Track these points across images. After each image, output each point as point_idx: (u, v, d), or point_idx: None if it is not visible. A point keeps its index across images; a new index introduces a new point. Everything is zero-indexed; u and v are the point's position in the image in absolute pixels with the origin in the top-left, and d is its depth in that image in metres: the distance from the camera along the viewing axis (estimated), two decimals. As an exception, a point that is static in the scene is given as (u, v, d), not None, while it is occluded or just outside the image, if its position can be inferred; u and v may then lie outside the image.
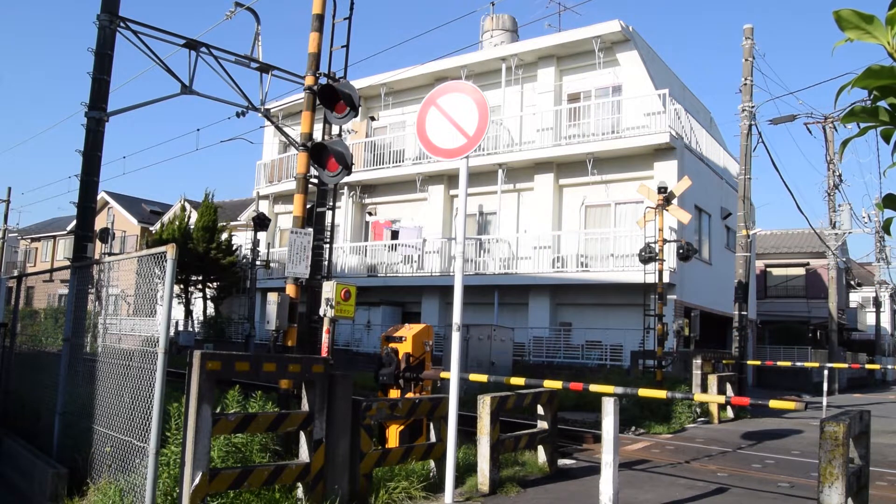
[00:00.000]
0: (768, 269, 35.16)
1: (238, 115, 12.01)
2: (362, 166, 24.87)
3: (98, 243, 21.80)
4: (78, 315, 7.29)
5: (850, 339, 37.62)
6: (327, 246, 10.39)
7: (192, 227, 28.42)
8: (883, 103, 1.84)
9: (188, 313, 29.34)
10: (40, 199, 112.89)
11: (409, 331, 8.24)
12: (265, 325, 7.80)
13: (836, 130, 26.41)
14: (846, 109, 1.92)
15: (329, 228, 10.42)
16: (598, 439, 7.91)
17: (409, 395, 7.84)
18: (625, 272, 18.61)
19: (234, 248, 29.52)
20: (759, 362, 21.35)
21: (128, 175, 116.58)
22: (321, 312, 7.21)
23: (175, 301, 15.22)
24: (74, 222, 12.73)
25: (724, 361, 16.01)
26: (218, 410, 5.41)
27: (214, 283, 29.75)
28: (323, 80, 7.92)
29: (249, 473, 5.06)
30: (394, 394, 8.00)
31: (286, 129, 14.17)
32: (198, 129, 35.77)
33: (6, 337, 9.11)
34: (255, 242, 23.70)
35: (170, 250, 5.14)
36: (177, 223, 28.60)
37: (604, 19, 26.51)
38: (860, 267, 40.35)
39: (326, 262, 10.36)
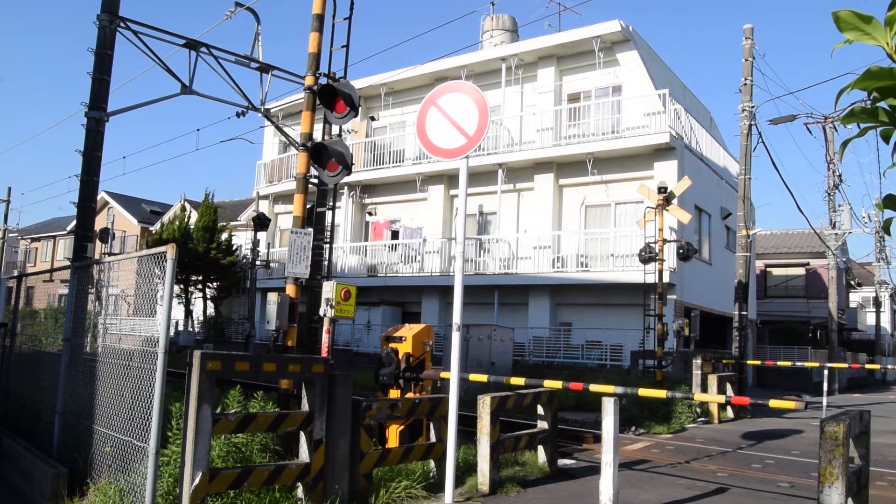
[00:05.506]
0: (768, 269, 35.16)
1: (238, 115, 12.02)
2: (362, 166, 24.87)
3: (98, 243, 21.80)
4: (78, 315, 7.29)
5: (850, 339, 37.61)
6: (327, 246, 10.41)
7: (192, 227, 28.40)
8: (883, 104, 1.84)
9: (188, 313, 29.33)
10: (40, 199, 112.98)
11: (409, 331, 8.24)
12: (265, 325, 7.80)
13: (836, 131, 26.42)
14: (846, 110, 1.92)
15: (329, 228, 10.43)
16: (598, 439, 7.91)
17: (409, 395, 7.85)
18: (625, 272, 18.60)
19: (234, 248, 29.51)
20: (759, 362, 21.33)
21: (128, 175, 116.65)
22: (321, 312, 7.21)
23: (175, 301, 15.22)
24: (74, 222, 12.73)
25: (724, 361, 16.01)
26: (218, 410, 5.41)
27: (214, 283, 29.73)
28: (323, 80, 7.91)
29: (249, 473, 5.06)
30: (394, 394, 8.00)
31: (286, 129, 14.17)
32: (198, 129, 35.79)
33: (6, 337, 9.11)
34: (255, 242, 23.69)
35: (170, 250, 5.14)
36: (177, 223, 28.58)
37: (604, 19, 26.54)
38: (860, 267, 40.35)
39: (326, 262, 10.37)
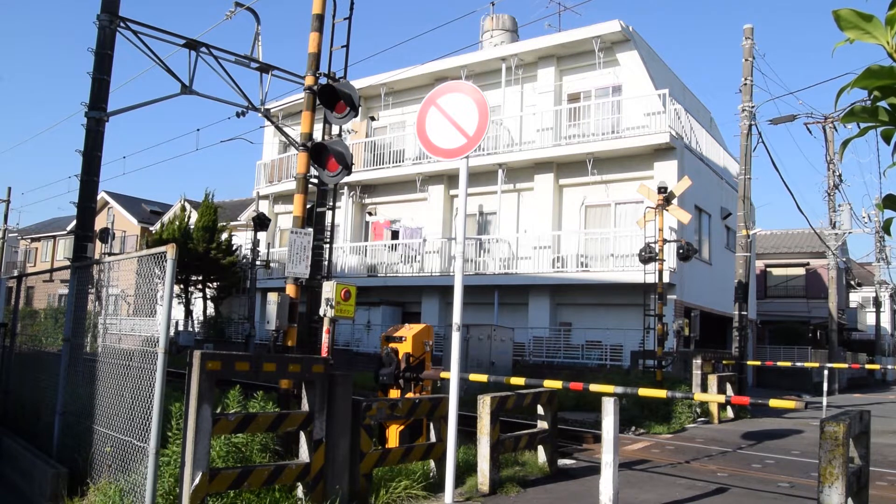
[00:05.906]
0: (768, 269, 35.15)
1: (238, 115, 12.01)
2: (362, 166, 24.87)
3: (98, 243, 21.80)
4: (78, 315, 7.29)
5: (850, 339, 37.61)
6: (327, 246, 10.41)
7: (192, 227, 28.40)
8: (883, 103, 1.83)
9: (188, 313, 29.33)
10: (40, 199, 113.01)
11: (409, 331, 8.24)
12: (265, 325, 7.80)
13: (836, 130, 26.41)
14: (846, 109, 1.92)
15: (329, 228, 10.43)
16: (598, 439, 7.91)
17: (409, 395, 7.84)
18: (625, 272, 18.60)
19: (234, 248, 29.51)
20: (759, 362, 21.33)
21: (128, 175, 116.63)
22: (321, 312, 7.21)
23: (175, 301, 15.22)
24: (74, 222, 12.73)
25: (724, 361, 16.01)
26: (218, 410, 5.41)
27: (214, 283, 29.74)
28: (323, 80, 7.91)
29: (249, 473, 5.06)
30: (394, 394, 8.00)
31: (286, 129, 14.16)
32: (198, 129, 35.77)
33: (6, 337, 9.11)
34: (255, 242, 23.69)
35: (170, 250, 5.14)
36: (177, 223, 28.58)
37: (604, 19, 26.54)
38: (860, 267, 40.35)
39: (326, 262, 10.37)
